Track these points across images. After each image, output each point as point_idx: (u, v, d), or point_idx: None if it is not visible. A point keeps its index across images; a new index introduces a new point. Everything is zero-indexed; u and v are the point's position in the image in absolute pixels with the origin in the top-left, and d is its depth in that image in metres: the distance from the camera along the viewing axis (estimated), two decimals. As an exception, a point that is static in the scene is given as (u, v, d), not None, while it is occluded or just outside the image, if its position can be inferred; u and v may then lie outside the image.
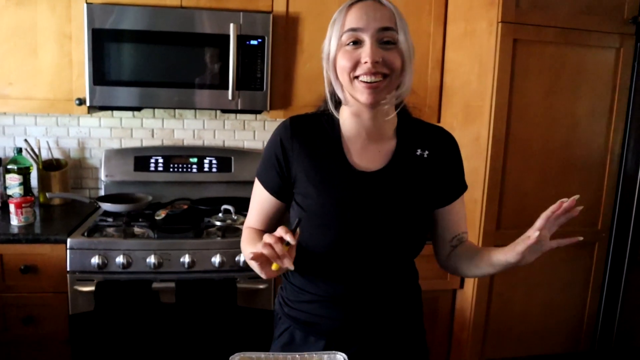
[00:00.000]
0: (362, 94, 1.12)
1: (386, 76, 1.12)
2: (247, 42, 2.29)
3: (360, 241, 1.19)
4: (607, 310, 2.42)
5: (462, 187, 1.31)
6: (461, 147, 2.39)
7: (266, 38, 2.31)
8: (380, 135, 1.23)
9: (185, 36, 2.26)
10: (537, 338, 2.39)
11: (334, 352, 1.13)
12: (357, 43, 1.12)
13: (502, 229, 2.23)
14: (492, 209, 2.20)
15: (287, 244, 1.02)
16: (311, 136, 1.23)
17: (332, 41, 1.15)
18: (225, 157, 2.69)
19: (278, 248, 1.01)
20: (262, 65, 2.32)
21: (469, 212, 2.27)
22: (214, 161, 2.68)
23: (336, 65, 1.15)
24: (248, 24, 2.28)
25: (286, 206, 1.29)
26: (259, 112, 2.60)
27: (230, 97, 2.30)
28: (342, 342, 1.24)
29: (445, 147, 1.27)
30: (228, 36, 2.25)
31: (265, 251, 1.01)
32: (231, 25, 2.23)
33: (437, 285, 2.37)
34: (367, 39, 1.11)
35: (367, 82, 1.11)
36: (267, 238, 1.02)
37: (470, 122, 2.28)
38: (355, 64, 1.12)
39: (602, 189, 2.32)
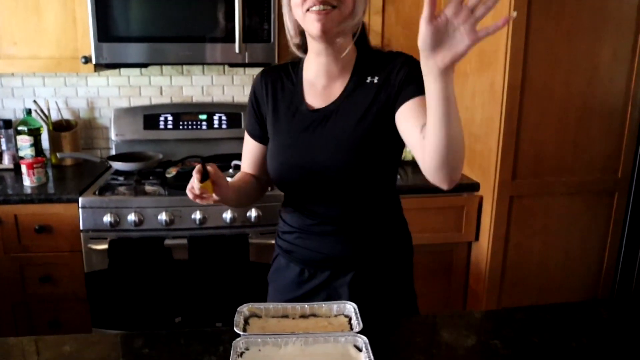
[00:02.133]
0: (312, 24, 1.14)
1: (335, 7, 1.13)
2: (253, -8, 2.22)
3: (318, 176, 1.24)
4: (626, 261, 2.37)
5: (417, 91, 1.13)
6: (475, 94, 2.31)
7: (272, -13, 2.23)
8: (339, 74, 1.26)
9: (188, -12, 2.19)
10: (555, 288, 2.37)
11: (343, 302, 1.12)
12: None
13: (518, 178, 2.18)
14: (507, 158, 2.14)
15: (204, 179, 1.13)
16: (277, 82, 1.32)
17: None
18: (235, 113, 2.65)
19: (195, 186, 1.13)
20: (268, 17, 2.25)
21: (485, 162, 2.22)
22: (224, 117, 2.64)
23: (291, 5, 1.18)
24: (253, -27, 2.21)
25: None
26: (267, 65, 2.54)
27: (237, 50, 2.24)
28: (315, 268, 1.32)
29: (396, 66, 1.21)
30: (232, -14, 2.17)
31: (190, 195, 1.16)
32: (235, -26, 2.16)
33: (452, 238, 2.34)
34: None
35: (316, 11, 1.12)
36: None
37: (485, 69, 2.20)
38: None
39: (623, 136, 2.24)
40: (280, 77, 1.32)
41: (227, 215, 2.11)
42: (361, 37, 1.25)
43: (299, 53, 1.29)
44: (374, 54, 1.28)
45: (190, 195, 1.16)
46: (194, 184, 1.14)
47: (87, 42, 2.24)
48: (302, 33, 1.25)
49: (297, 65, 1.32)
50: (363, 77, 1.25)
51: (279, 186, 1.34)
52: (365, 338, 0.97)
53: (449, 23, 0.83)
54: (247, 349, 0.95)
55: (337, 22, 1.15)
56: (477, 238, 2.35)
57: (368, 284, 1.31)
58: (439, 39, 0.84)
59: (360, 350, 0.96)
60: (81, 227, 2.09)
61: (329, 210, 1.28)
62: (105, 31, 2.21)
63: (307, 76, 1.29)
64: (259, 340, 0.97)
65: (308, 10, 1.14)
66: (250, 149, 1.40)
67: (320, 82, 1.27)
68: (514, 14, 0.82)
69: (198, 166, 1.14)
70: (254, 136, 1.38)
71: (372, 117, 1.20)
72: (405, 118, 1.15)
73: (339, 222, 1.28)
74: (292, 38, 1.27)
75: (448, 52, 0.85)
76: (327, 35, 1.16)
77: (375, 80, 1.23)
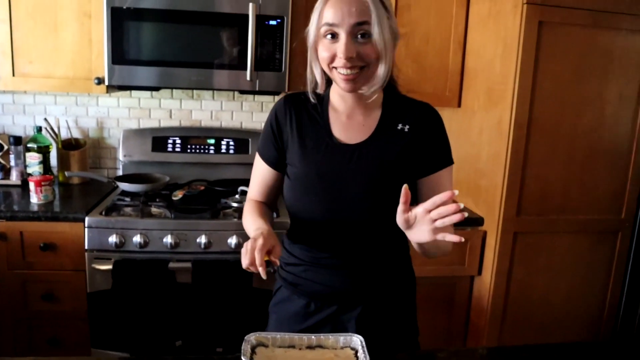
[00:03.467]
0: (340, 83, 1.19)
1: (363, 67, 1.17)
2: (266, 22, 2.26)
3: (339, 211, 1.25)
4: (628, 300, 2.37)
5: (444, 161, 1.30)
6: (482, 130, 2.35)
7: (285, 18, 2.27)
8: (365, 110, 1.29)
9: (204, 15, 2.23)
10: (556, 327, 2.36)
11: (350, 334, 1.12)
12: (334, 36, 1.16)
13: (522, 214, 2.19)
14: (512, 195, 2.16)
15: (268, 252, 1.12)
16: (302, 110, 1.31)
17: (312, 30, 1.20)
18: (242, 139, 2.68)
19: (258, 259, 1.10)
20: (281, 46, 2.29)
21: (490, 197, 2.23)
22: (232, 142, 2.67)
23: (317, 52, 1.21)
24: (267, 4, 2.25)
25: (283, 177, 1.36)
26: (277, 93, 2.59)
27: (248, 78, 2.28)
28: (322, 302, 1.31)
29: (428, 122, 1.29)
30: (247, 16, 2.21)
31: (246, 260, 1.13)
32: (250, 4, 2.20)
33: (455, 272, 2.35)
34: (342, 33, 1.15)
35: (343, 74, 1.16)
36: (251, 245, 1.13)
37: (492, 106, 2.23)
38: (333, 57, 1.17)
39: (628, 176, 2.27)
40: (305, 105, 1.31)
41: (232, 240, 2.12)
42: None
43: (312, 97, 1.30)
44: (401, 99, 1.32)
45: (249, 267, 1.15)
46: (257, 260, 1.10)
47: (101, 64, 2.28)
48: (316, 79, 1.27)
49: (319, 94, 1.32)
50: (393, 122, 1.28)
51: (295, 215, 1.34)
52: (372, 372, 0.97)
53: (417, 219, 1.05)
54: (254, 378, 0.96)
55: (366, 80, 1.19)
56: (479, 272, 2.35)
57: (375, 319, 1.31)
58: (410, 225, 1.07)
59: (367, 384, 0.96)
60: (86, 247, 2.10)
61: (343, 245, 1.28)
62: (119, 53, 2.24)
63: (332, 107, 1.31)
64: (267, 370, 0.97)
65: (335, 68, 1.17)
66: (263, 175, 1.39)
67: (345, 115, 1.29)
68: (456, 192, 1.01)
69: (260, 245, 1.11)
70: (270, 162, 1.36)
71: (402, 164, 1.25)
72: (421, 191, 1.29)
73: (351, 257, 1.29)
74: (310, 84, 1.29)
75: (415, 236, 1.08)
76: (355, 91, 1.21)
77: (406, 129, 1.27)
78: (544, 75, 2.09)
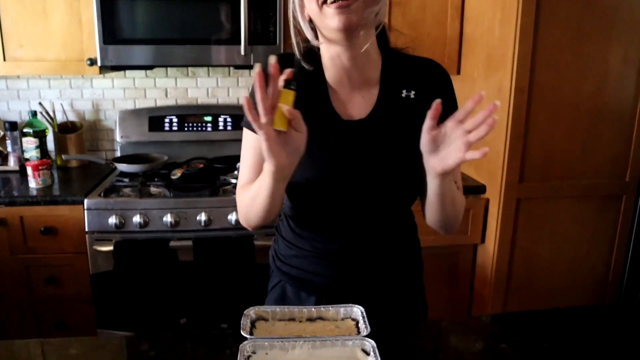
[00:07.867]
0: (333, 19, 0.99)
1: None
2: (259, -5, 2.22)
3: (349, 193, 1.12)
4: (633, 265, 2.35)
5: None
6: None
7: (278, -11, 2.23)
8: (364, 81, 1.12)
9: (195, -10, 2.19)
10: (561, 294, 2.35)
11: (350, 305, 1.10)
12: None
13: (525, 181, 2.17)
14: (514, 161, 2.13)
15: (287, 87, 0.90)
16: (299, 80, 1.02)
17: None
18: (240, 115, 2.61)
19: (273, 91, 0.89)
20: (274, 19, 2.25)
21: (492, 165, 2.21)
22: (229, 119, 2.64)
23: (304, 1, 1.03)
24: (259, -25, 2.20)
25: None
26: (273, 67, 2.54)
27: (242, 53, 2.24)
28: (334, 298, 1.19)
29: (434, 83, 1.13)
30: (239, -11, 2.17)
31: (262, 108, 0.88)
32: (241, -24, 2.15)
33: (457, 240, 2.33)
34: None
35: (336, 3, 0.97)
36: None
37: (493, 73, 2.19)
38: None
39: (632, 140, 2.23)
40: (302, 75, 1.08)
41: (232, 217, 2.11)
42: (382, 36, 1.12)
43: (303, 62, 1.11)
44: (401, 59, 1.15)
45: (261, 108, 0.88)
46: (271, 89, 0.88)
47: (93, 44, 2.24)
48: (306, 39, 1.09)
49: (314, 58, 1.12)
50: (396, 90, 1.12)
51: (297, 201, 1.19)
52: (372, 342, 0.95)
53: (446, 136, 0.94)
54: (254, 352, 0.95)
55: (361, 11, 0.99)
56: (483, 241, 2.33)
57: (389, 309, 1.23)
58: (436, 147, 0.96)
59: (367, 354, 0.95)
60: (86, 229, 2.09)
61: (356, 233, 1.17)
62: (110, 33, 2.21)
63: (328, 79, 1.13)
64: (266, 343, 0.96)
65: (325, 3, 0.98)
66: (257, 155, 1.15)
67: (343, 88, 1.13)
68: (498, 103, 0.91)
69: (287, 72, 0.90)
70: None
71: (413, 135, 1.03)
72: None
73: (364, 245, 1.18)
74: (298, 44, 1.11)
75: (440, 162, 0.97)
76: (350, 29, 1.00)
77: (412, 95, 1.11)
78: (544, 39, 2.04)
